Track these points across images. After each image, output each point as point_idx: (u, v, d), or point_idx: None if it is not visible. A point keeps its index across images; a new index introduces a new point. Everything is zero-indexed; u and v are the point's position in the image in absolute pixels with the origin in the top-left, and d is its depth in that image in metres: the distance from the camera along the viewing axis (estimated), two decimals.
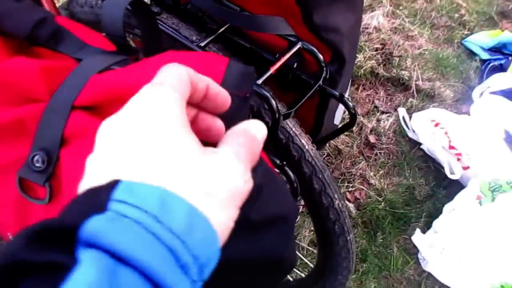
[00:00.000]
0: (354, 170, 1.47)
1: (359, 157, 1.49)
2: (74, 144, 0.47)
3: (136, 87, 0.43)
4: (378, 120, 1.55)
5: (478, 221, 1.20)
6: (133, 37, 0.87)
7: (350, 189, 1.45)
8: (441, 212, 1.34)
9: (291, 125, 0.69)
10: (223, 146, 0.27)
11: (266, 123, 0.66)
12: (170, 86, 0.26)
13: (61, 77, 0.48)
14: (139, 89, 0.43)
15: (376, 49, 1.66)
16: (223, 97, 0.31)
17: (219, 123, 0.33)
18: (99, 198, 0.21)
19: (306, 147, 0.70)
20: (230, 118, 0.40)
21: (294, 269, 1.27)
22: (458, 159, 1.43)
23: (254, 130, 0.29)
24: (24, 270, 0.18)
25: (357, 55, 1.61)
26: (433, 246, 1.31)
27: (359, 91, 1.60)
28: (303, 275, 1.26)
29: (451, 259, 1.27)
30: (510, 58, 1.74)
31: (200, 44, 0.62)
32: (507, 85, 1.58)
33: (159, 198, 0.21)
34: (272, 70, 0.61)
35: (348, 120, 0.74)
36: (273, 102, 0.58)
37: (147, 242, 0.19)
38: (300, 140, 0.69)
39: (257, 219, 0.43)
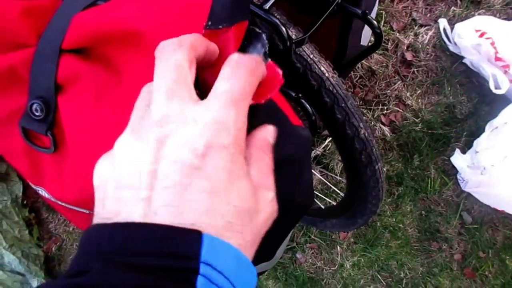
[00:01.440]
0: (389, 91, 1.39)
1: (394, 77, 1.40)
2: (69, 91, 0.45)
3: (120, 24, 0.39)
4: (416, 35, 1.42)
5: None
6: None
7: (385, 111, 1.38)
8: (483, 131, 1.26)
9: (308, 52, 0.63)
10: (261, 177, 0.26)
11: (281, 52, 0.61)
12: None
13: (46, 18, 0.45)
14: (123, 26, 0.39)
15: None
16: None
17: None
18: (186, 252, 0.20)
19: (326, 74, 0.64)
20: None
21: (325, 197, 1.26)
22: (505, 72, 1.30)
23: (270, 138, 0.29)
24: None
25: None
26: (473, 166, 1.25)
27: (395, 3, 1.45)
28: (334, 203, 1.26)
29: (492, 179, 1.22)
30: None
31: None
32: None
33: (235, 260, 0.21)
34: None
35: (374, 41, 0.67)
36: (283, 29, 0.52)
37: None
38: (319, 68, 0.63)
39: None
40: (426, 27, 1.44)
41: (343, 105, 0.66)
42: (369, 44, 0.85)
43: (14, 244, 1.36)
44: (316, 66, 0.63)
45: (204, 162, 0.22)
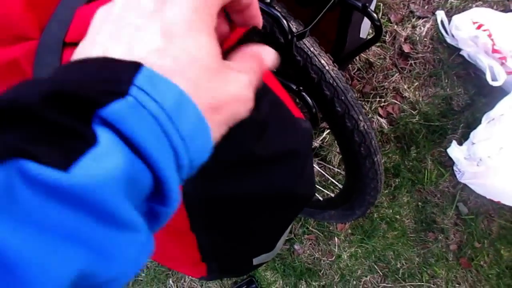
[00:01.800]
0: (386, 83, 1.39)
1: (392, 70, 1.40)
2: None
3: None
4: (414, 27, 1.42)
5: None
6: None
7: (383, 104, 1.39)
8: (480, 123, 1.27)
9: (308, 45, 0.63)
10: (240, 64, 0.27)
11: (281, 45, 0.61)
12: None
13: (49, 10, 0.45)
14: None
15: None
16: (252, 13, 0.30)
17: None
18: (120, 77, 0.20)
19: (326, 67, 0.64)
20: None
21: (323, 189, 1.27)
22: (502, 64, 1.31)
23: (265, 56, 0.29)
24: (32, 124, 0.17)
25: None
26: (469, 157, 1.26)
27: None
28: (332, 194, 1.27)
29: (488, 170, 1.23)
30: None
31: None
32: None
33: (176, 98, 0.21)
34: None
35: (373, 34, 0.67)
36: (284, 22, 0.52)
37: (160, 139, 0.20)
38: (319, 61, 0.64)
39: (264, 155, 0.41)
40: (424, 19, 1.44)
41: (343, 97, 0.67)
42: (368, 37, 0.86)
43: None
44: (317, 59, 0.63)
45: (164, 8, 0.23)
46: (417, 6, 1.46)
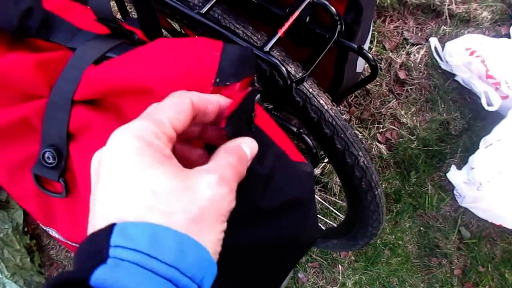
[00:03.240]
0: (384, 109, 1.41)
1: (389, 96, 1.43)
2: (81, 139, 0.47)
3: (131, 81, 0.41)
4: (408, 54, 1.45)
5: None
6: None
7: (381, 130, 1.41)
8: (477, 146, 1.29)
9: (307, 86, 0.65)
10: (211, 165, 0.28)
11: (281, 87, 0.63)
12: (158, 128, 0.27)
13: (58, 70, 0.47)
14: (133, 83, 0.41)
15: None
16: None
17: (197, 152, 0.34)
18: (100, 246, 0.23)
19: (325, 107, 0.66)
20: (241, 111, 0.38)
21: (323, 217, 1.28)
22: (497, 89, 1.33)
23: (246, 148, 0.31)
24: None
25: None
26: (469, 182, 1.27)
27: (386, 23, 1.49)
28: (333, 223, 1.27)
29: (489, 194, 1.24)
30: None
31: (201, 11, 0.57)
32: None
33: (149, 235, 0.23)
34: (280, 33, 0.56)
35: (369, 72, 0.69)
36: (283, 69, 0.54)
37: (147, 278, 0.22)
38: (318, 101, 0.65)
39: (269, 206, 0.42)
40: (418, 46, 1.47)
41: (342, 135, 0.68)
42: (364, 73, 0.88)
43: (16, 273, 1.36)
44: (316, 100, 0.65)
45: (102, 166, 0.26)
46: (410, 34, 1.50)
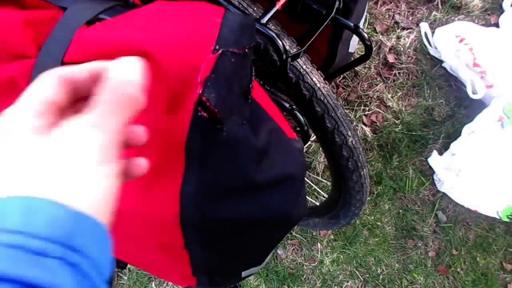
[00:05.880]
0: (371, 92, 1.42)
1: (376, 79, 1.43)
2: None
3: (127, 43, 0.40)
4: (398, 38, 1.45)
5: (498, 144, 1.17)
6: None
7: (367, 112, 1.41)
8: (460, 133, 1.31)
9: (301, 63, 0.64)
10: (84, 114, 0.25)
11: (275, 62, 0.62)
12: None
13: (47, 29, 0.45)
14: (130, 46, 0.39)
15: None
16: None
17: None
18: None
19: (318, 85, 0.66)
20: (230, 78, 0.37)
21: (308, 198, 1.29)
22: (482, 77, 1.35)
23: (124, 82, 0.26)
24: None
25: None
26: (449, 168, 1.30)
27: (379, 5, 1.48)
28: (315, 202, 1.28)
29: (467, 181, 1.27)
30: None
31: None
32: None
33: (20, 212, 0.21)
34: (278, 5, 0.55)
35: (363, 53, 0.68)
36: (279, 43, 0.53)
37: (12, 256, 0.20)
38: (311, 78, 0.65)
39: (263, 180, 0.42)
40: (408, 30, 1.47)
41: (332, 114, 0.68)
42: (354, 55, 0.87)
43: None
44: (309, 77, 0.65)
45: None
46: (401, 17, 1.49)
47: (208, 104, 0.34)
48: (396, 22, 1.48)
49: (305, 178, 1.31)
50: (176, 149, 0.37)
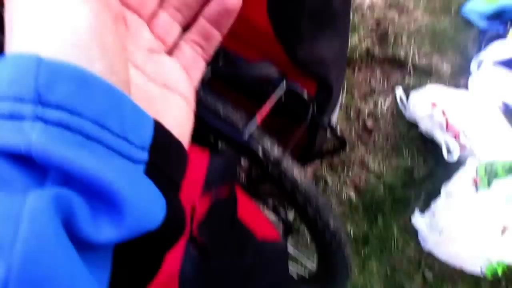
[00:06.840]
0: (353, 156, 1.49)
1: (357, 143, 1.51)
2: None
3: None
4: (376, 103, 1.55)
5: (474, 207, 1.23)
6: None
7: (350, 175, 1.48)
8: (440, 192, 1.37)
9: (284, 162, 0.71)
10: None
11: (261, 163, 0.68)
12: None
13: None
14: None
15: (371, 29, 1.62)
16: None
17: None
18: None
19: (299, 179, 0.72)
20: (221, 219, 0.42)
21: (298, 265, 1.33)
22: (456, 137, 1.44)
23: None
24: None
25: (351, 36, 1.59)
26: (432, 227, 1.35)
27: (355, 74, 1.59)
28: (301, 267, 1.32)
29: (449, 240, 1.32)
30: (508, 24, 1.70)
31: None
32: (505, 54, 1.55)
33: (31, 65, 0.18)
34: (258, 120, 0.62)
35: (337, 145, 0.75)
36: (261, 157, 0.59)
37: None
38: (292, 174, 0.71)
39: None
40: (384, 95, 1.57)
41: (314, 204, 0.74)
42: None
43: None
44: (290, 173, 0.71)
45: None
46: (377, 83, 1.60)
47: (200, 241, 0.40)
48: (372, 89, 1.59)
49: (293, 247, 1.35)
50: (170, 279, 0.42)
